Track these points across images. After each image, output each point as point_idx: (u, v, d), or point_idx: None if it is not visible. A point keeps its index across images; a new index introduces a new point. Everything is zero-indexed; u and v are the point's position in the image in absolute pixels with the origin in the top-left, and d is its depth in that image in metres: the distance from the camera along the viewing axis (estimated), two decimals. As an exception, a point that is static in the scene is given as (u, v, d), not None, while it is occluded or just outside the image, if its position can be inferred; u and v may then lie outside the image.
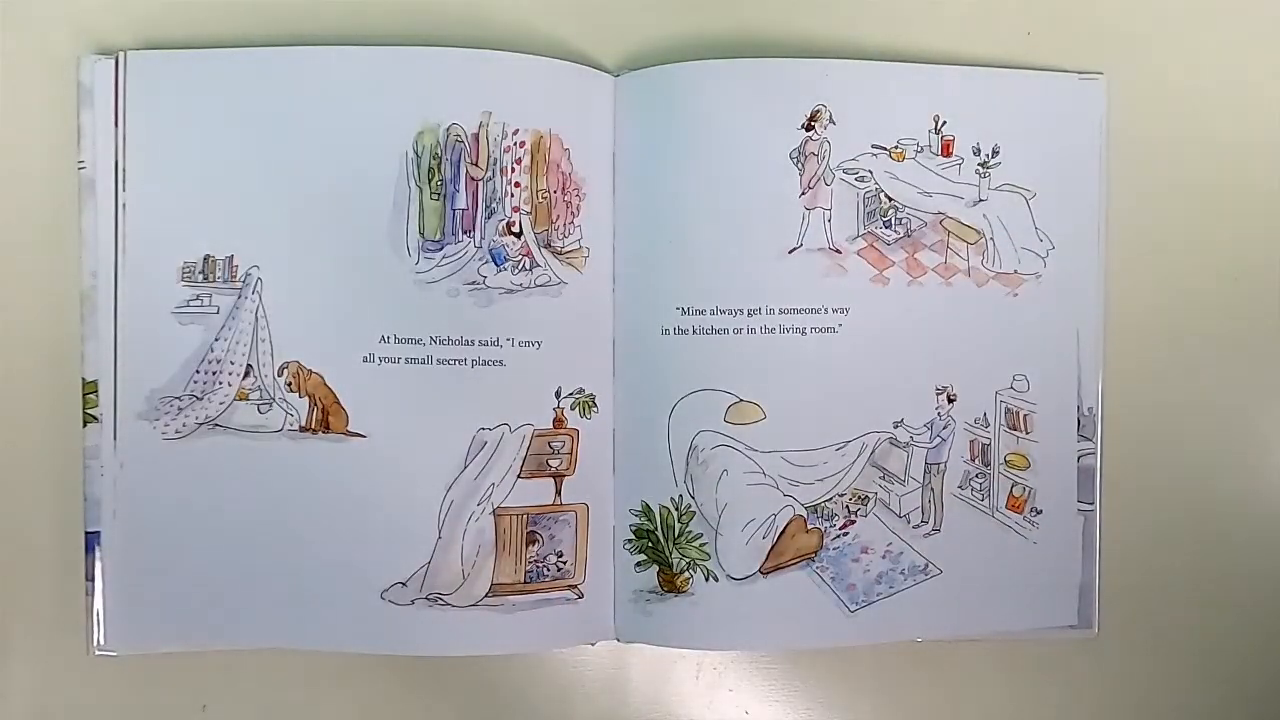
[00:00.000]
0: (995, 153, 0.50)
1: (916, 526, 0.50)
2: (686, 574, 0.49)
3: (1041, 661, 0.52)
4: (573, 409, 0.49)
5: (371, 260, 0.48)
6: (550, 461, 0.49)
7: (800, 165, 0.49)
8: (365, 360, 0.48)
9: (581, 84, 0.49)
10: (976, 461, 0.51)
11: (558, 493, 0.49)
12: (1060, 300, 0.51)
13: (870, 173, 0.50)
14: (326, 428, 0.48)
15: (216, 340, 0.48)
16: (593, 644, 0.50)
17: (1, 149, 0.49)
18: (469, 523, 0.48)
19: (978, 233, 0.50)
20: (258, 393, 0.48)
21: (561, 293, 0.49)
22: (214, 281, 0.48)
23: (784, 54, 0.50)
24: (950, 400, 0.50)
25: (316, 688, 0.51)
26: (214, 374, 0.48)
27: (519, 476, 0.48)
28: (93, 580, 0.48)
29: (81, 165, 0.48)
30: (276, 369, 0.48)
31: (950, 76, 0.50)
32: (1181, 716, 0.53)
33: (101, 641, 0.48)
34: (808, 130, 0.49)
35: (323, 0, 0.50)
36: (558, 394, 0.49)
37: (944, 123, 0.50)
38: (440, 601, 0.48)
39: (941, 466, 0.50)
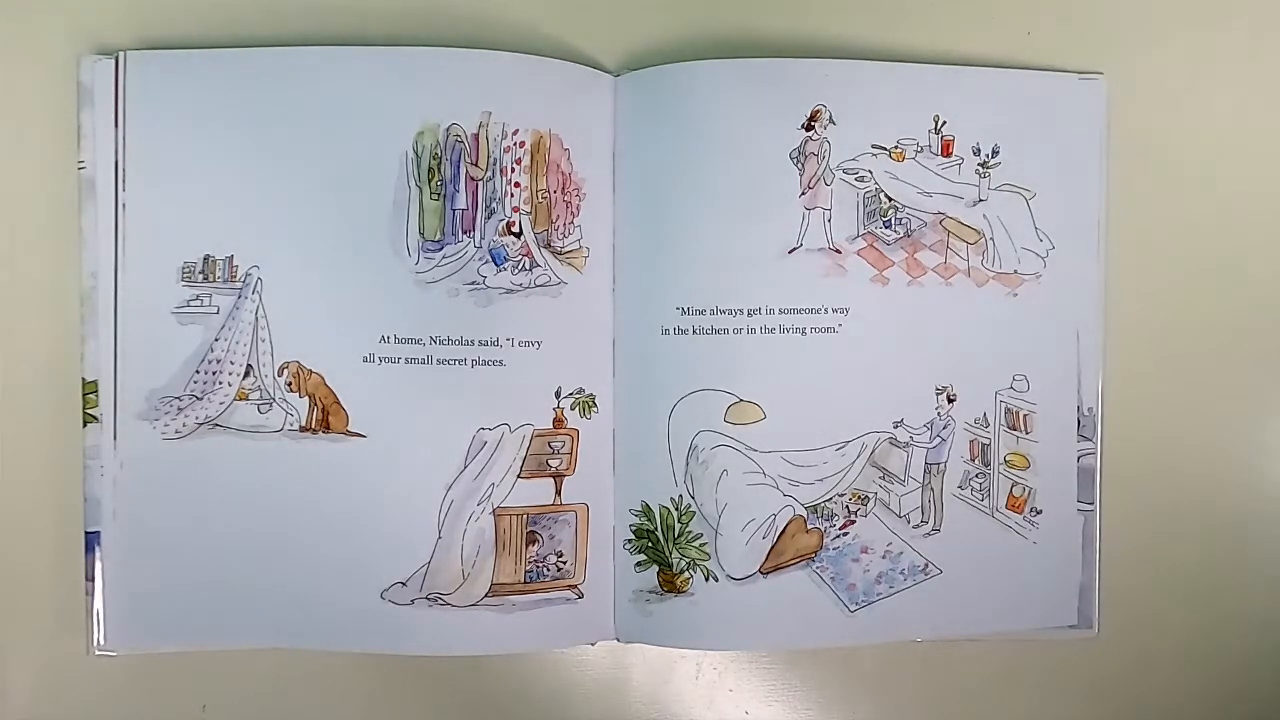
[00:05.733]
0: (995, 153, 0.50)
1: (916, 526, 0.50)
2: (686, 574, 0.49)
3: (1041, 661, 0.52)
4: (573, 409, 0.49)
5: (371, 260, 0.48)
6: (550, 461, 0.49)
7: (800, 165, 0.49)
8: (365, 360, 0.48)
9: (581, 84, 0.49)
10: (976, 461, 0.51)
11: (558, 493, 0.49)
12: (1060, 300, 0.51)
13: (870, 173, 0.50)
14: (326, 428, 0.48)
15: (216, 340, 0.48)
16: (593, 644, 0.50)
17: (1, 149, 0.49)
18: (469, 523, 0.48)
19: (978, 233, 0.50)
20: (258, 393, 0.48)
21: (561, 293, 0.49)
22: (214, 281, 0.48)
23: (784, 54, 0.50)
24: (950, 400, 0.50)
25: (316, 688, 0.51)
26: (214, 374, 0.48)
27: (519, 476, 0.48)
28: (93, 580, 0.48)
29: (81, 165, 0.48)
30: (276, 369, 0.48)
31: (950, 76, 0.50)
32: (1181, 716, 0.53)
33: (101, 641, 0.48)
34: (808, 130, 0.49)
35: (323, 0, 0.50)
36: (558, 394, 0.49)
37: (944, 123, 0.50)
38: (440, 601, 0.48)
39: (941, 466, 0.50)
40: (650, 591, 0.49)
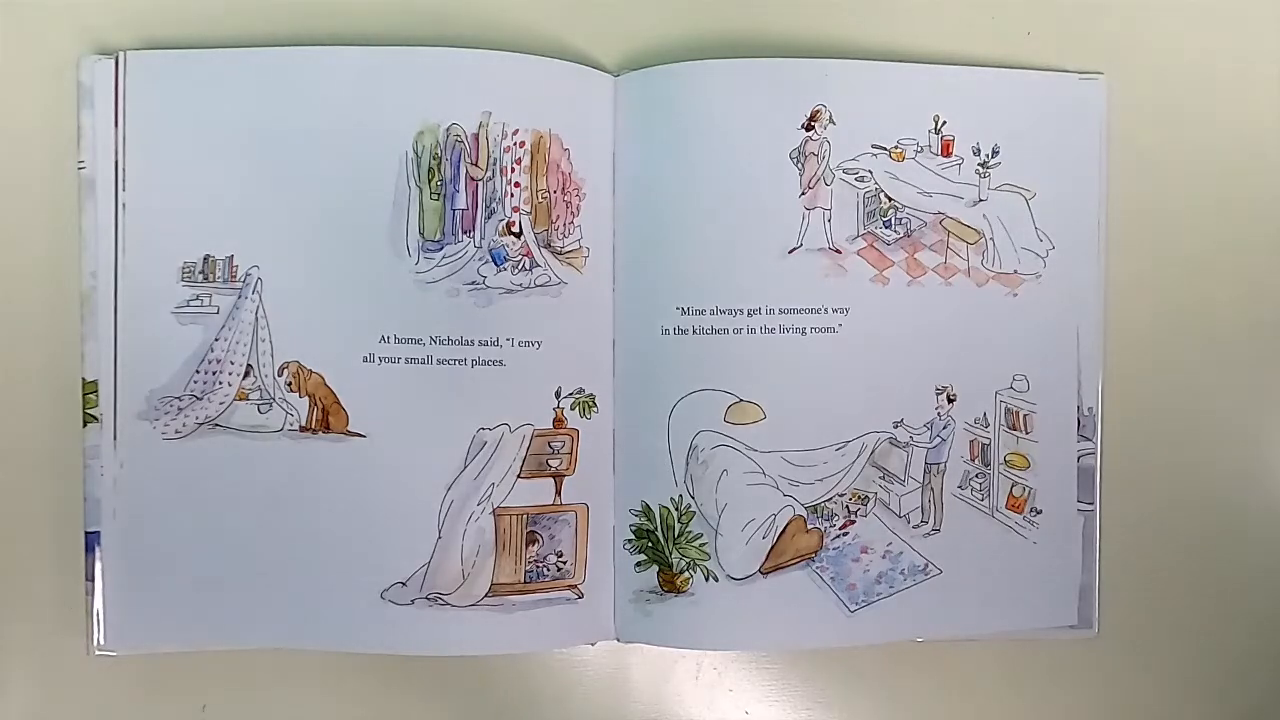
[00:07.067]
0: (995, 153, 0.50)
1: (916, 526, 0.50)
2: (686, 574, 0.49)
3: (1041, 661, 0.52)
4: (573, 409, 0.49)
5: (371, 260, 0.48)
6: (550, 461, 0.49)
7: (800, 165, 0.49)
8: (365, 360, 0.48)
9: (581, 84, 0.49)
10: (976, 461, 0.51)
11: (558, 493, 0.49)
12: (1060, 300, 0.51)
13: (870, 173, 0.50)
14: (326, 428, 0.48)
15: (216, 340, 0.48)
16: (593, 644, 0.50)
17: (1, 149, 0.49)
18: (469, 523, 0.48)
19: (978, 233, 0.50)
20: (258, 393, 0.48)
21: (561, 293, 0.49)
22: (214, 281, 0.48)
23: (784, 54, 0.50)
24: (950, 400, 0.50)
25: (316, 688, 0.51)
26: (214, 374, 0.48)
27: (519, 476, 0.48)
28: (93, 580, 0.48)
29: (81, 165, 0.48)
30: (276, 369, 0.48)
31: (950, 76, 0.50)
32: (1181, 716, 0.53)
33: (101, 641, 0.48)
34: (808, 130, 0.49)
35: (323, 0, 0.50)
36: (558, 394, 0.49)
37: (944, 123, 0.50)
38: (440, 601, 0.48)
39: (941, 466, 0.50)
40: (650, 591, 0.49)
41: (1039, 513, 0.51)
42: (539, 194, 0.49)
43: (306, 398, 0.48)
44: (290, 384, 0.48)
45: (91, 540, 0.48)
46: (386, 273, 0.48)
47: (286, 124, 0.48)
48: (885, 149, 0.50)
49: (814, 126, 0.49)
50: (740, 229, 0.49)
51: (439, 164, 0.48)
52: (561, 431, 0.49)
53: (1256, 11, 0.53)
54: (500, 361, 0.48)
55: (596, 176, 0.49)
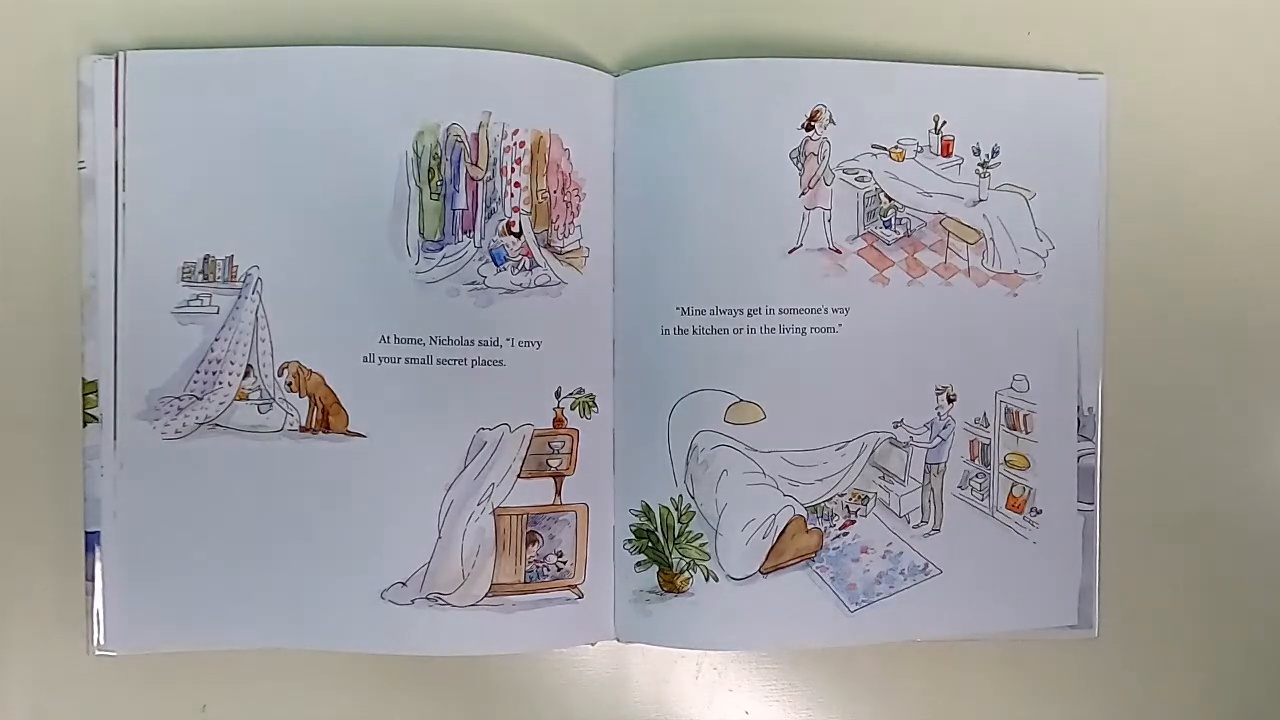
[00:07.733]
0: (995, 153, 0.50)
1: (916, 526, 0.50)
2: (686, 574, 0.49)
3: (1041, 661, 0.52)
4: (573, 409, 0.49)
5: (371, 260, 0.48)
6: (550, 461, 0.49)
7: (800, 165, 0.49)
8: (365, 360, 0.48)
9: (581, 84, 0.49)
10: (976, 461, 0.51)
11: (558, 493, 0.49)
12: (1060, 300, 0.51)
13: (870, 173, 0.50)
14: (326, 428, 0.48)
15: (216, 340, 0.48)
16: (593, 644, 0.50)
17: (1, 149, 0.49)
18: (469, 523, 0.48)
19: (977, 233, 0.50)
20: (258, 393, 0.48)
21: (561, 293, 0.49)
22: (214, 281, 0.48)
23: (784, 54, 0.50)
24: (950, 400, 0.50)
25: (316, 688, 0.51)
26: (214, 374, 0.48)
27: (519, 476, 0.48)
28: (93, 580, 0.48)
29: (81, 165, 0.48)
30: (276, 369, 0.48)
31: (950, 76, 0.50)
32: (1181, 716, 0.53)
33: (101, 641, 0.48)
34: (808, 130, 0.49)
35: (323, 0, 0.50)
36: (558, 394, 0.49)
37: (944, 123, 0.50)
38: (440, 601, 0.48)
39: (941, 466, 0.50)
40: (650, 591, 0.49)
41: (1039, 513, 0.51)
42: (539, 194, 0.49)
43: (306, 398, 0.48)
44: (290, 384, 0.48)
45: (91, 540, 0.48)
46: (386, 273, 0.48)
47: (287, 124, 0.48)
48: (885, 149, 0.50)
49: (814, 126, 0.49)
50: (740, 229, 0.49)
51: (439, 164, 0.48)
52: (561, 431, 0.49)
53: (1256, 11, 0.53)
54: (500, 361, 0.48)
55: (596, 176, 0.49)
